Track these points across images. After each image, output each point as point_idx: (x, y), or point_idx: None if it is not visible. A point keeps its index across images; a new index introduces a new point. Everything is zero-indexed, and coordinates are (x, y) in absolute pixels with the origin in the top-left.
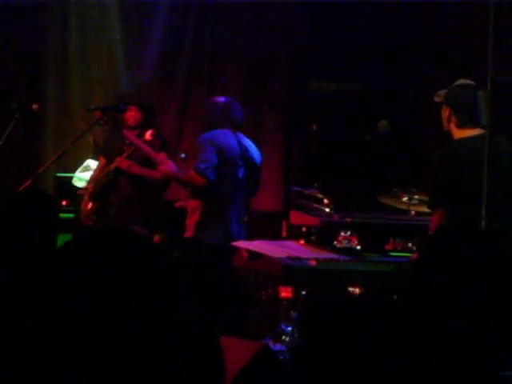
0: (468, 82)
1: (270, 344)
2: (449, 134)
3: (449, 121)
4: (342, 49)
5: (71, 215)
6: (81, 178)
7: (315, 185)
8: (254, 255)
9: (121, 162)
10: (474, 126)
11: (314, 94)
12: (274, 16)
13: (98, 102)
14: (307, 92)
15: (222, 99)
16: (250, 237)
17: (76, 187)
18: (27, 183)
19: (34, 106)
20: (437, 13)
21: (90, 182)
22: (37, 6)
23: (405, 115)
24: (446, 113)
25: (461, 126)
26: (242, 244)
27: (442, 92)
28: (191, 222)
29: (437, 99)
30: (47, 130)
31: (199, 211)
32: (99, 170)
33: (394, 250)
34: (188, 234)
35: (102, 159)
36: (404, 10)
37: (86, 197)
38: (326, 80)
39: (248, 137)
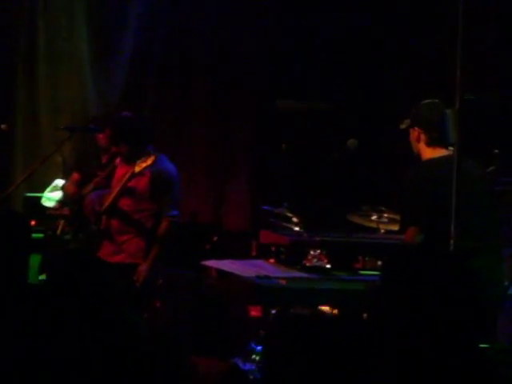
0: (434, 100)
1: (240, 363)
2: (419, 156)
3: (418, 140)
4: (311, 67)
5: (40, 235)
6: (50, 197)
7: (285, 204)
8: (224, 274)
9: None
10: (444, 146)
11: (283, 113)
12: (244, 34)
13: (66, 121)
14: (276, 111)
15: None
16: (220, 256)
17: (45, 207)
18: None
19: (3, 126)
20: (410, 30)
21: (64, 197)
22: (4, 29)
23: (375, 133)
24: (414, 134)
25: (431, 144)
26: (211, 263)
27: (407, 120)
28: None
29: (402, 126)
30: (16, 149)
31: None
32: (73, 185)
33: (364, 269)
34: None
35: (76, 174)
36: (371, 28)
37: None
38: (295, 99)
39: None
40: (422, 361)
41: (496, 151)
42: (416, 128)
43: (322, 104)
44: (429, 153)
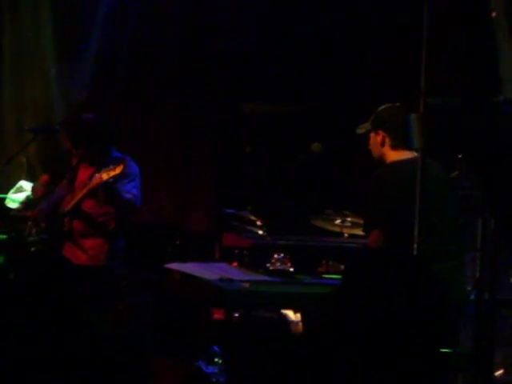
0: (395, 104)
1: (203, 366)
2: (381, 160)
3: (382, 144)
4: (277, 70)
5: (4, 237)
6: (14, 199)
7: (248, 207)
8: (187, 277)
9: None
10: (407, 148)
11: (247, 116)
12: (210, 36)
13: (31, 122)
14: (241, 113)
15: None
16: (183, 259)
17: (9, 208)
18: None
19: None
20: (373, 37)
21: (32, 199)
22: None
23: (338, 136)
24: (377, 138)
25: (396, 146)
26: (173, 266)
27: (364, 124)
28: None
29: (360, 131)
30: None
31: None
32: (42, 187)
33: (327, 272)
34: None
35: (45, 176)
36: (340, 32)
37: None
38: (259, 101)
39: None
40: (382, 363)
41: (460, 156)
42: (380, 132)
43: (287, 106)
44: (393, 155)
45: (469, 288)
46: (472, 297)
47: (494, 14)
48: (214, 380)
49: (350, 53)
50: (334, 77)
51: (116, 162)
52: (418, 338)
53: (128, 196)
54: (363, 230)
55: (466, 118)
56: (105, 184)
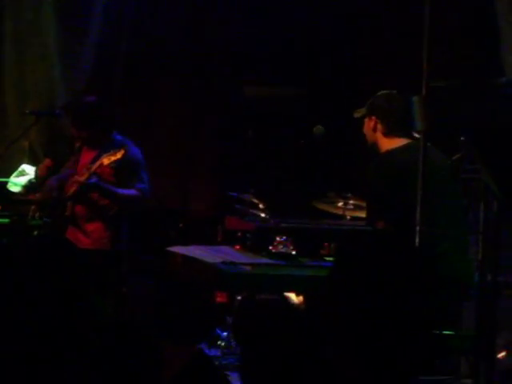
0: (391, 91)
1: (205, 349)
2: (374, 146)
3: (374, 130)
4: (278, 54)
5: (6, 220)
6: (16, 183)
7: (251, 190)
8: (190, 260)
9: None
10: (401, 135)
11: (249, 99)
12: (212, 20)
13: (33, 107)
14: (243, 97)
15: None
16: (186, 242)
17: (11, 192)
18: None
19: None
20: (374, 20)
21: (35, 179)
22: None
23: (340, 119)
24: (370, 123)
25: (388, 133)
26: (176, 249)
27: (361, 109)
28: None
29: (356, 115)
30: None
31: None
32: (46, 169)
33: (330, 255)
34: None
35: (48, 160)
36: (339, 15)
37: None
38: (261, 85)
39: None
40: (374, 347)
41: (462, 138)
42: (373, 117)
43: (288, 90)
44: (386, 143)
45: (473, 270)
46: (476, 279)
47: None
48: (217, 363)
49: (352, 35)
50: (336, 59)
51: (117, 147)
52: (409, 319)
53: (132, 192)
54: (366, 223)
55: (468, 99)
56: (85, 186)
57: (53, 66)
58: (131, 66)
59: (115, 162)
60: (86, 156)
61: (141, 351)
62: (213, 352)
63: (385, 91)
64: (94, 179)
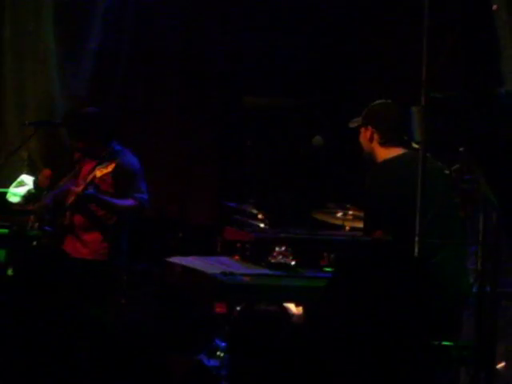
0: (387, 100)
1: (204, 360)
2: (370, 156)
3: (371, 140)
4: (277, 63)
5: (5, 230)
6: (15, 193)
7: (250, 200)
8: (189, 271)
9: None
10: (397, 144)
11: (248, 109)
12: (211, 29)
13: (32, 117)
14: (242, 107)
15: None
16: (185, 252)
17: (10, 202)
18: None
19: None
20: (374, 28)
21: (34, 190)
22: None
23: (339, 130)
24: (366, 133)
25: (384, 143)
26: (175, 259)
27: (357, 118)
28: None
29: (352, 125)
30: None
31: None
32: (46, 179)
33: (329, 266)
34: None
35: (47, 171)
36: (339, 23)
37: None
38: (260, 95)
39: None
40: (372, 357)
41: (461, 149)
42: (369, 127)
43: (288, 100)
44: (383, 153)
45: (472, 280)
46: (474, 289)
47: (494, 7)
48: (216, 373)
49: (351, 46)
50: (334, 70)
51: (110, 159)
52: (407, 328)
53: (129, 202)
54: (364, 232)
55: (467, 111)
56: (81, 197)
57: (52, 75)
58: (130, 76)
59: (107, 174)
60: (86, 166)
61: (141, 361)
62: (212, 362)
63: (380, 100)
64: (91, 190)
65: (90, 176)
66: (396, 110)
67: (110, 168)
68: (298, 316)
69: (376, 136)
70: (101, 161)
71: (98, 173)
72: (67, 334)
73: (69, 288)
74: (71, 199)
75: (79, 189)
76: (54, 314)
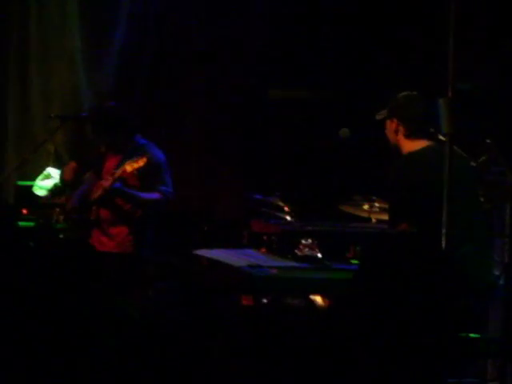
0: (412, 92)
1: None
2: (397, 148)
3: (396, 132)
4: (303, 56)
5: (31, 224)
6: (41, 186)
7: (276, 193)
8: (215, 263)
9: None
10: (423, 137)
11: (274, 102)
12: (236, 22)
13: (57, 110)
14: (267, 99)
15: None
16: (211, 245)
17: (36, 196)
18: None
19: None
20: (398, 20)
21: (60, 183)
22: None
23: (365, 122)
24: (392, 125)
25: (409, 135)
26: (202, 252)
27: (382, 111)
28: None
29: (378, 117)
30: (8, 138)
31: None
32: (71, 172)
33: (355, 258)
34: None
35: (73, 163)
36: (363, 20)
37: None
38: (286, 88)
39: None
40: (399, 349)
41: (488, 141)
42: (394, 120)
43: (313, 92)
44: (408, 145)
45: (497, 273)
46: (501, 282)
47: None
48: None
49: (377, 37)
50: (361, 61)
51: (140, 154)
52: (434, 321)
53: (155, 196)
54: (389, 225)
55: (494, 102)
56: (109, 191)
57: (77, 69)
58: (155, 69)
59: (137, 169)
60: (111, 161)
61: (168, 354)
62: None
63: (405, 92)
64: (117, 184)
65: (119, 171)
66: (421, 101)
67: (141, 162)
68: (325, 308)
69: (401, 128)
70: (127, 155)
71: (129, 167)
72: (95, 327)
73: (96, 281)
74: (98, 193)
75: (107, 183)
76: (81, 307)
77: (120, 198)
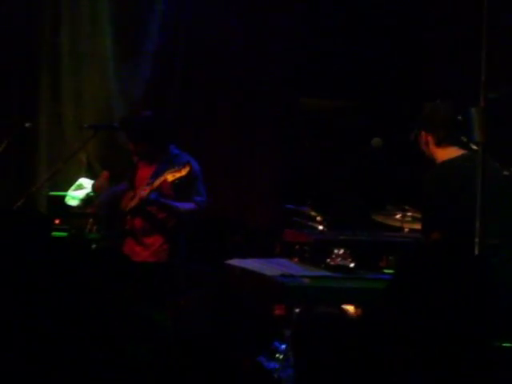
0: (436, 101)
1: (264, 362)
2: (431, 158)
3: (427, 144)
4: (335, 65)
5: (64, 234)
6: (74, 196)
7: (308, 202)
8: (247, 273)
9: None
10: (453, 143)
11: (307, 111)
12: (270, 32)
13: (90, 120)
14: (299, 108)
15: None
16: (244, 255)
17: (69, 206)
18: (21, 201)
19: (27, 125)
20: (428, 31)
21: (94, 194)
22: (28, 27)
23: (398, 131)
24: (422, 138)
25: (439, 143)
26: (234, 262)
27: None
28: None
29: (412, 138)
30: (40, 148)
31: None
32: (103, 182)
33: (388, 267)
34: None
35: (105, 173)
36: (392, 28)
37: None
38: (317, 97)
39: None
40: (434, 361)
41: None
42: (422, 132)
43: (346, 101)
44: (441, 154)
45: None
46: None
47: None
48: (275, 376)
49: (410, 48)
50: (395, 71)
51: (176, 162)
52: (469, 330)
53: (190, 206)
54: (422, 234)
55: None
56: (146, 201)
57: (110, 77)
58: (188, 78)
59: (179, 178)
60: (144, 170)
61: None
62: (271, 365)
63: (429, 102)
64: (153, 194)
65: (158, 181)
66: (445, 108)
67: (183, 172)
68: (357, 318)
69: (430, 138)
70: (162, 165)
71: (170, 177)
72: (128, 336)
73: (130, 290)
74: (133, 203)
75: (144, 193)
76: (114, 316)
77: (155, 207)
